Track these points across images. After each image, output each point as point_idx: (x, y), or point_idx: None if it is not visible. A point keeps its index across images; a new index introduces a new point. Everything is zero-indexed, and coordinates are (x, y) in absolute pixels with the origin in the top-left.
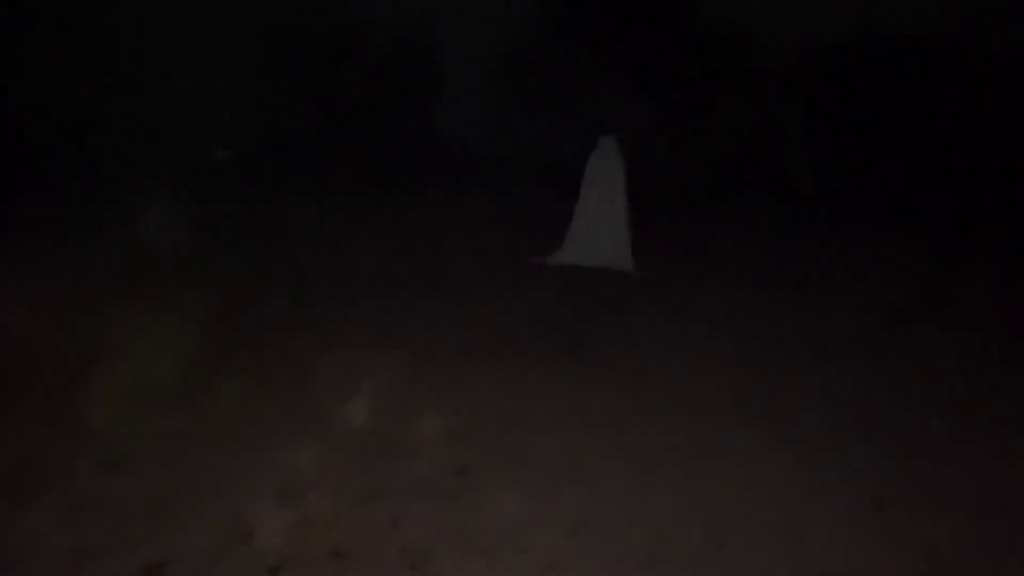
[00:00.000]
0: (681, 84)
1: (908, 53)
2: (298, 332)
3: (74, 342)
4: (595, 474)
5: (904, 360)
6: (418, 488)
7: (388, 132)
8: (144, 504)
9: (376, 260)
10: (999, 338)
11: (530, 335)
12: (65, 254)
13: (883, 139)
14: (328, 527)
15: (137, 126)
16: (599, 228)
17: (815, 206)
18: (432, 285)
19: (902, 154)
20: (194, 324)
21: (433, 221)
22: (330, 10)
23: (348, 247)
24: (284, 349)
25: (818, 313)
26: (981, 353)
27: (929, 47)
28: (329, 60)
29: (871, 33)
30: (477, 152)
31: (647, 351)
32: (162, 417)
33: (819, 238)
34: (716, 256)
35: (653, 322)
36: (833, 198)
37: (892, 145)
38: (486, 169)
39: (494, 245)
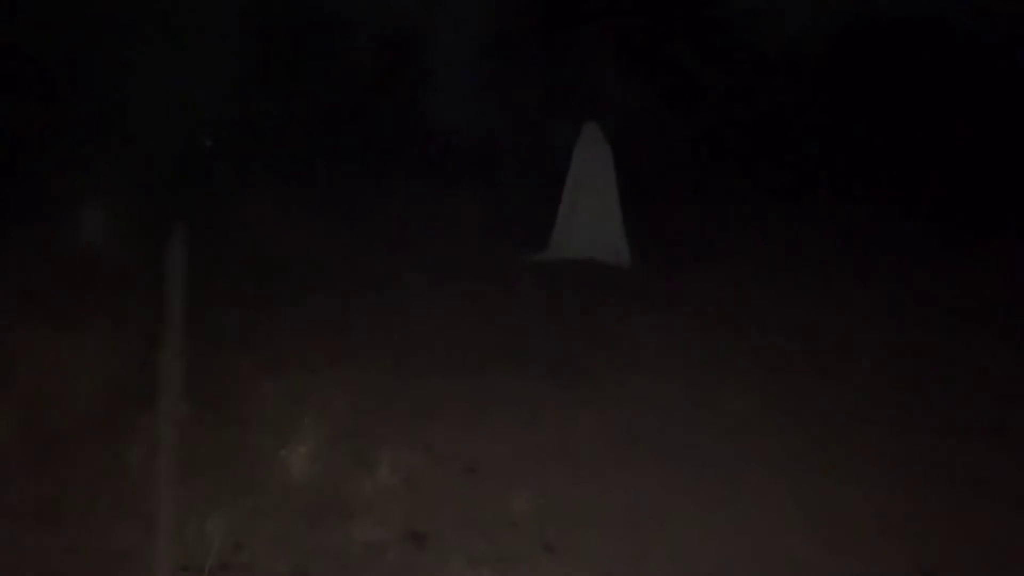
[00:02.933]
0: (675, 68)
1: (918, 37)
2: (246, 347)
3: None
4: (575, 547)
5: (970, 376)
6: (365, 561)
7: (372, 121)
8: None
9: (350, 256)
10: None
11: (513, 347)
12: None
13: (893, 124)
14: None
15: (116, 116)
16: (587, 220)
17: (821, 193)
18: (409, 286)
19: (913, 139)
20: (119, 342)
21: (414, 213)
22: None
23: (320, 241)
24: (223, 372)
25: (836, 311)
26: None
27: (938, 31)
28: (314, 50)
29: (880, 14)
30: (463, 142)
31: (642, 367)
32: (35, 479)
33: (825, 226)
34: (715, 247)
35: (648, 328)
36: (839, 185)
37: (902, 130)
38: (472, 159)
39: (479, 239)
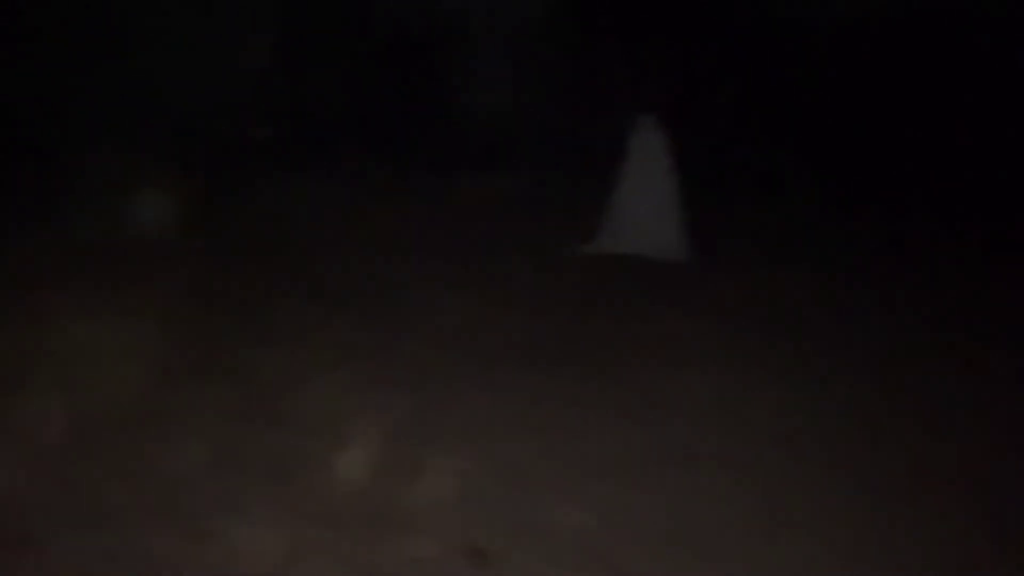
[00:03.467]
0: (727, 58)
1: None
2: (286, 345)
3: None
4: (644, 568)
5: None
6: None
7: (412, 110)
8: None
9: (388, 249)
10: None
11: (557, 347)
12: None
13: (947, 120)
14: None
15: (166, 104)
16: (641, 213)
17: (876, 190)
18: (451, 279)
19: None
20: (159, 334)
21: (455, 204)
22: None
23: (359, 233)
24: (263, 370)
25: (901, 317)
26: None
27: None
28: (355, 37)
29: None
30: (504, 130)
31: (693, 372)
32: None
33: (882, 225)
34: (769, 242)
35: (703, 332)
36: (894, 183)
37: (956, 128)
38: (514, 148)
39: (522, 231)
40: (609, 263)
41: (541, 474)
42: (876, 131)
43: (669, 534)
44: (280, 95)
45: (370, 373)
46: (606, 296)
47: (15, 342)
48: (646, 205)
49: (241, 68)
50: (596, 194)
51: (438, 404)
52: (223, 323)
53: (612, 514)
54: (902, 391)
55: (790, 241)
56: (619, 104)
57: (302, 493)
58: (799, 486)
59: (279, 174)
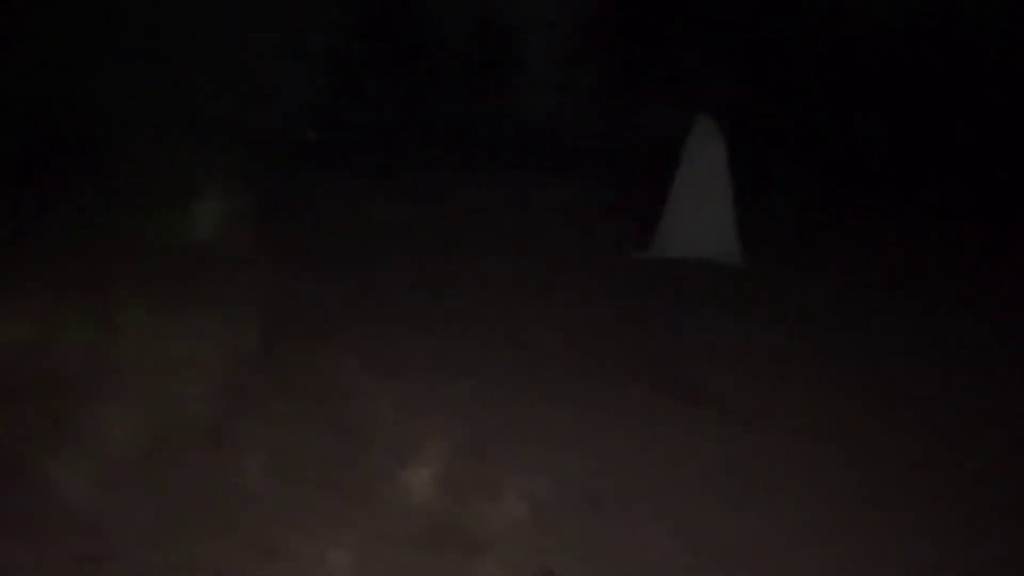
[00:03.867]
0: (783, 55)
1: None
2: (344, 351)
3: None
4: None
5: None
6: None
7: (465, 111)
8: None
9: (440, 252)
10: None
11: (622, 357)
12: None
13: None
14: None
15: (220, 108)
16: (698, 217)
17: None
18: (501, 286)
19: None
20: (223, 341)
21: (507, 207)
22: None
23: (412, 234)
24: (331, 371)
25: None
26: None
27: None
28: (407, 40)
29: None
30: (558, 132)
31: (765, 385)
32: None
33: (948, 233)
34: (831, 247)
35: (768, 338)
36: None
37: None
38: (568, 151)
39: (576, 235)
40: (666, 267)
41: (619, 493)
42: (919, 132)
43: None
44: (331, 98)
45: (433, 381)
46: (665, 301)
47: (84, 349)
48: (703, 208)
49: (289, 71)
50: (651, 197)
51: (509, 415)
52: (285, 330)
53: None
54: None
55: (845, 244)
56: (676, 103)
57: (368, 507)
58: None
59: (333, 177)
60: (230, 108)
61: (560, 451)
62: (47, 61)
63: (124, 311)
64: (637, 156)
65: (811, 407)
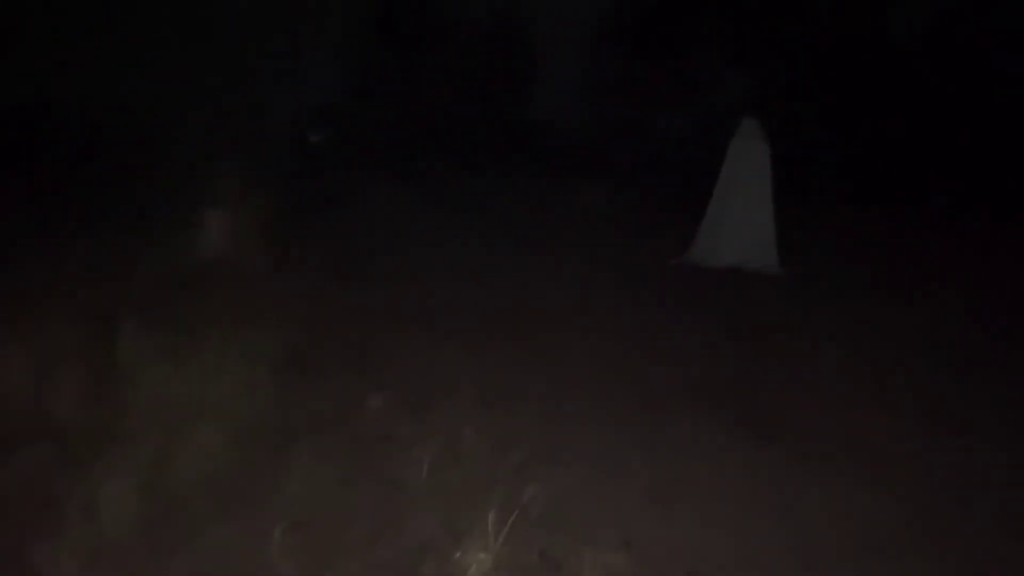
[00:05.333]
0: (807, 56)
1: None
2: (381, 378)
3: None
4: None
5: None
6: None
7: (480, 115)
8: None
9: (476, 263)
10: None
11: (680, 382)
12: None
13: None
14: None
15: (225, 110)
16: (739, 224)
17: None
18: (540, 298)
19: None
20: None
21: (537, 214)
22: None
23: (431, 246)
24: (356, 408)
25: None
26: None
27: None
28: (420, 40)
29: None
30: (578, 136)
31: (839, 412)
32: None
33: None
34: (875, 255)
35: (826, 356)
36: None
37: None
38: (588, 155)
39: (611, 243)
40: (707, 276)
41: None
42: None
43: None
44: (355, 107)
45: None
46: (715, 316)
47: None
48: (744, 213)
49: (302, 74)
50: (682, 200)
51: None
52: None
53: None
54: None
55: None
56: (721, 108)
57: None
58: None
59: (367, 181)
60: (242, 111)
61: (636, 509)
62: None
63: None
64: (658, 158)
65: (900, 439)
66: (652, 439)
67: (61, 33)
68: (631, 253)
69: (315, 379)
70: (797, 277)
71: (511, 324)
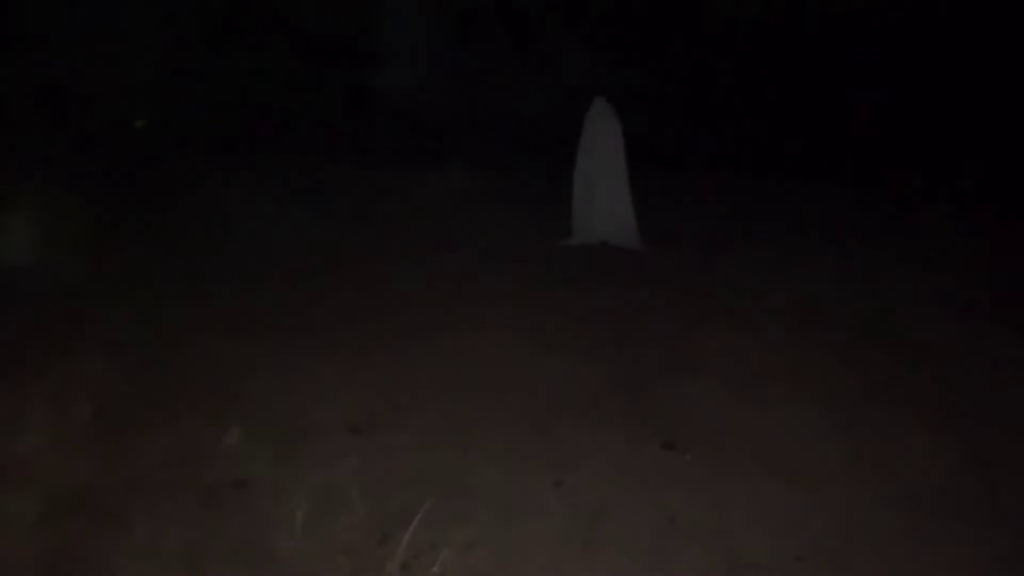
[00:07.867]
0: (654, 38)
1: None
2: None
3: None
4: None
5: None
6: None
7: (327, 100)
8: None
9: (351, 257)
10: None
11: (584, 386)
12: None
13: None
14: None
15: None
16: (602, 200)
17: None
18: (432, 292)
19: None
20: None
21: (403, 202)
22: None
23: (293, 239)
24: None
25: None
26: None
27: None
28: (253, 27)
29: None
30: (431, 120)
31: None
32: None
33: (841, 207)
34: (727, 232)
35: (729, 344)
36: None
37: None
38: (444, 139)
39: (500, 228)
40: (581, 254)
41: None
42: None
43: None
44: (182, 92)
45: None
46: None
47: None
48: (604, 191)
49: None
50: (551, 181)
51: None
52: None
53: None
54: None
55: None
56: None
57: None
58: None
59: (199, 169)
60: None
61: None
62: None
63: None
64: (515, 139)
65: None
66: (553, 449)
67: None
68: (525, 236)
69: (151, 421)
70: (658, 251)
71: (403, 324)
